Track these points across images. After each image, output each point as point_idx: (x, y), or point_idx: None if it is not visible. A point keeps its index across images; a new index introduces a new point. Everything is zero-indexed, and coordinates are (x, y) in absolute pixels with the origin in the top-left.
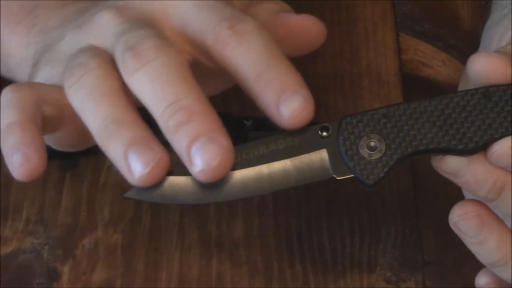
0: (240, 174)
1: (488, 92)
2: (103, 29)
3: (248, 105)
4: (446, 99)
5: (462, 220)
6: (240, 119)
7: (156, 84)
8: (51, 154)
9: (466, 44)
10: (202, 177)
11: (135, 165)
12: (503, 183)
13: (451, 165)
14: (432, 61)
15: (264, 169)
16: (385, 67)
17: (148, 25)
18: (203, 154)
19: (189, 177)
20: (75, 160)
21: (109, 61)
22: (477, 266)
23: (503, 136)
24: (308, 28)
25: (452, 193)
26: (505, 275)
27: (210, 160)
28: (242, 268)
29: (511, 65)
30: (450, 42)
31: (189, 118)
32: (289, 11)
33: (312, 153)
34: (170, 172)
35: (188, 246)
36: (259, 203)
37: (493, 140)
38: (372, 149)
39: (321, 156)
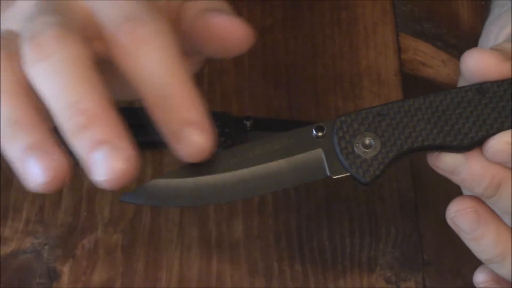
0: (237, 176)
1: (482, 88)
2: (20, 10)
3: (248, 105)
4: (440, 96)
5: (459, 216)
6: (240, 119)
7: (55, 81)
8: None
9: (466, 44)
10: (105, 186)
11: (33, 171)
12: (500, 179)
13: (447, 163)
14: (432, 61)
15: (260, 170)
16: (385, 67)
17: (59, 10)
18: (106, 163)
19: (184, 179)
20: (75, 160)
21: (17, 52)
22: (477, 266)
23: (498, 131)
24: (230, 31)
25: (452, 193)
26: (502, 271)
27: (114, 169)
28: (242, 268)
29: (504, 61)
30: (450, 42)
31: (89, 122)
32: (221, 10)
33: (307, 152)
34: (166, 175)
35: (188, 246)
36: (259, 203)
37: (489, 135)
38: (367, 147)
39: (316, 155)
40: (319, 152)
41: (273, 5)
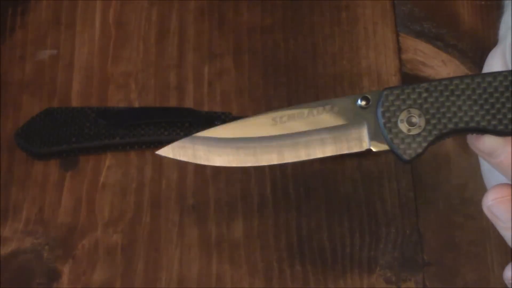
0: (276, 140)
1: None
2: None
3: (248, 105)
4: (489, 77)
5: (497, 204)
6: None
7: None
8: (51, 154)
9: (466, 44)
10: None
11: None
12: None
13: (487, 144)
14: (432, 61)
15: (300, 135)
16: (385, 67)
17: None
18: None
19: (223, 138)
20: (75, 160)
21: None
22: (477, 266)
23: None
24: None
25: (452, 193)
26: None
27: None
28: (242, 268)
29: None
30: (450, 42)
31: None
32: None
33: (349, 123)
34: (206, 131)
35: (188, 246)
36: (259, 203)
37: None
38: (411, 124)
39: (359, 126)
40: (362, 123)
41: (273, 5)
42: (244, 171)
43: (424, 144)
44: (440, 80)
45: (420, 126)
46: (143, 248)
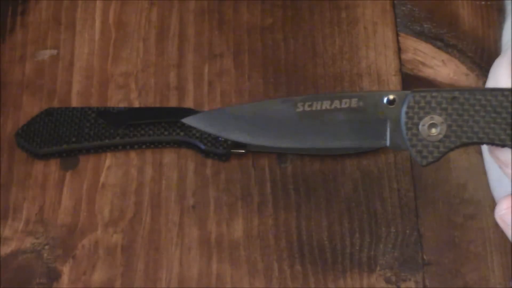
0: (299, 125)
1: None
2: None
3: None
4: None
5: (509, 213)
6: None
7: None
8: (51, 154)
9: (466, 44)
10: None
11: None
12: None
13: (507, 155)
14: (432, 61)
15: (323, 124)
16: (385, 67)
17: None
18: None
19: (249, 115)
20: (75, 160)
21: None
22: (477, 266)
23: None
24: None
25: (452, 193)
26: None
27: None
28: (242, 268)
29: None
30: (450, 42)
31: None
32: None
33: (373, 119)
34: (232, 107)
35: (188, 246)
36: (259, 203)
37: None
38: (433, 129)
39: (381, 123)
40: (385, 121)
41: (273, 5)
42: (244, 171)
43: (442, 151)
44: (470, 90)
45: (440, 134)
46: (143, 248)
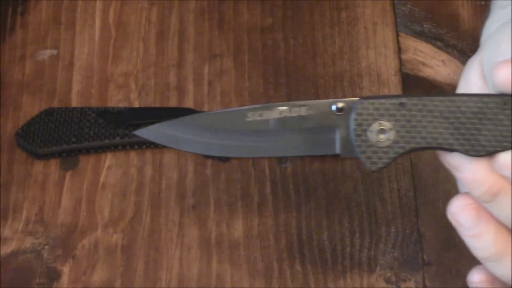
0: (249, 135)
1: (510, 101)
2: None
3: (248, 105)
4: (468, 102)
5: (460, 211)
6: None
7: None
8: (51, 154)
9: (466, 44)
10: None
11: None
12: (499, 188)
13: (455, 159)
14: (432, 61)
15: (273, 133)
16: (385, 67)
17: None
18: None
19: (200, 127)
20: (75, 160)
21: None
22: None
23: None
24: None
25: (452, 194)
26: (498, 270)
27: None
28: (242, 268)
29: None
30: (450, 42)
31: None
32: None
33: (322, 126)
34: (179, 120)
35: (188, 246)
36: (259, 203)
37: (505, 150)
38: (381, 135)
39: (330, 131)
40: (333, 129)
41: (273, 5)
42: (244, 171)
43: (392, 156)
44: (418, 97)
45: (389, 140)
46: (143, 248)
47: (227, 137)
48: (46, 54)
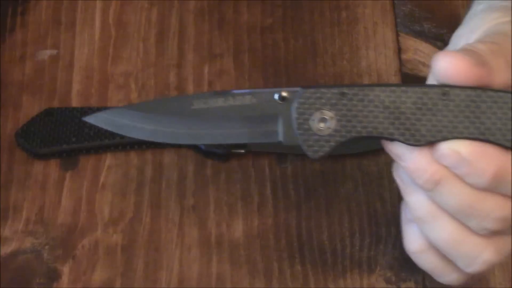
0: (195, 121)
1: (449, 92)
2: None
3: None
4: (408, 92)
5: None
6: None
7: None
8: (51, 154)
9: None
10: None
11: None
12: (440, 177)
13: (397, 148)
14: None
15: (217, 120)
16: (385, 67)
17: None
18: None
19: (147, 113)
20: (75, 160)
21: None
22: None
23: (455, 138)
24: None
25: None
26: (433, 233)
27: None
28: (242, 268)
29: (475, 65)
30: None
31: None
32: None
33: (265, 115)
34: (129, 106)
35: (188, 246)
36: (259, 203)
37: (445, 140)
38: (322, 124)
39: (273, 119)
40: (276, 117)
41: (273, 5)
42: (244, 171)
43: (332, 145)
44: (361, 87)
45: (329, 128)
46: (143, 248)
47: (173, 124)
48: (46, 54)
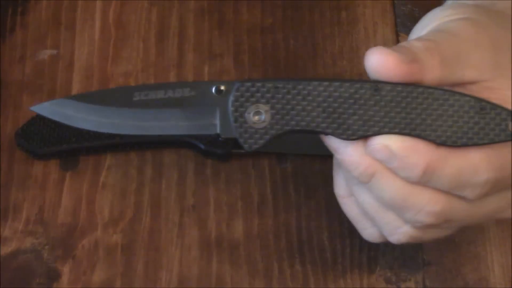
0: (135, 113)
1: (379, 88)
2: None
3: None
4: (341, 86)
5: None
6: None
7: None
8: (51, 154)
9: None
10: None
11: None
12: (374, 170)
13: (333, 142)
14: None
15: (156, 112)
16: None
17: None
18: None
19: (90, 104)
20: (75, 160)
21: None
22: (477, 266)
23: (386, 133)
24: None
25: None
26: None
27: None
28: (242, 268)
29: (405, 62)
30: None
31: None
32: None
33: (203, 107)
34: (75, 97)
35: (188, 246)
36: (259, 203)
37: (376, 135)
38: (258, 117)
39: (211, 112)
40: (214, 109)
41: (273, 5)
42: (244, 171)
43: (267, 138)
44: (294, 80)
45: (265, 121)
46: (143, 248)
47: (115, 116)
48: (46, 54)
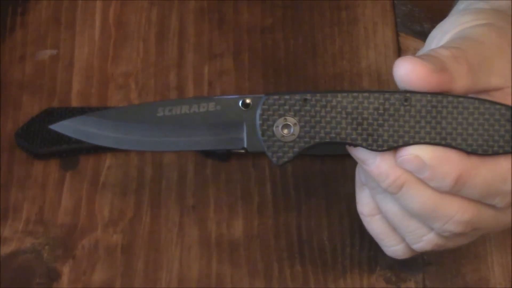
0: (159, 129)
1: (410, 98)
2: None
3: None
4: (370, 98)
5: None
6: None
7: None
8: (51, 154)
9: None
10: None
11: None
12: (404, 181)
13: (361, 153)
14: None
15: (181, 128)
16: (385, 67)
17: None
18: None
19: (111, 121)
20: (75, 160)
21: None
22: (477, 266)
23: (416, 143)
24: None
25: None
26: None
27: None
28: (242, 268)
29: (435, 72)
30: None
31: None
32: None
33: (230, 122)
34: (95, 114)
35: (188, 246)
36: (259, 203)
37: (406, 145)
38: (286, 130)
39: (237, 126)
40: (241, 124)
41: (273, 5)
42: (244, 171)
43: (296, 151)
44: (323, 93)
45: (294, 135)
46: (143, 248)
47: (138, 132)
48: (46, 54)
